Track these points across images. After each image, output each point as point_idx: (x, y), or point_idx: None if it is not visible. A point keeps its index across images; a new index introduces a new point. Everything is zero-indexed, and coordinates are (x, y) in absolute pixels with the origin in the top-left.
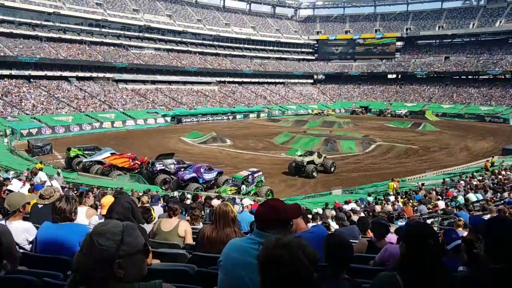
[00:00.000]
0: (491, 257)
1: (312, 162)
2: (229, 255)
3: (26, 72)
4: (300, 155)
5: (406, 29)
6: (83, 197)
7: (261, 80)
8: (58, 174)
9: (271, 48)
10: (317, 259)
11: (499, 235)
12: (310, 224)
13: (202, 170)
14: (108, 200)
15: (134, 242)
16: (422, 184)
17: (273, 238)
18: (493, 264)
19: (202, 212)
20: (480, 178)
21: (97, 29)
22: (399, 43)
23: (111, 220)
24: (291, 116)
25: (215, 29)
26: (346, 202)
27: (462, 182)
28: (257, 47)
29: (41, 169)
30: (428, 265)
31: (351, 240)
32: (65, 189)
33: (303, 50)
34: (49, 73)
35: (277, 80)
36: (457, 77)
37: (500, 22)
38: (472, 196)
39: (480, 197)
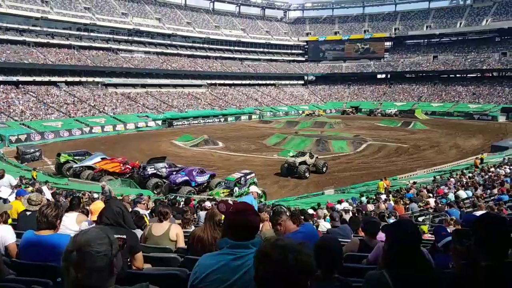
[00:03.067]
0: (482, 254)
1: (304, 162)
2: (209, 274)
3: (14, 78)
4: (292, 156)
5: (395, 29)
6: (75, 203)
7: (252, 82)
8: (103, 187)
9: (261, 50)
10: (310, 269)
11: (488, 233)
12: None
13: (194, 173)
14: (97, 206)
15: (114, 238)
16: (414, 183)
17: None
18: (484, 261)
19: (195, 215)
20: (470, 175)
21: (86, 33)
22: (388, 43)
23: (84, 229)
24: (282, 118)
25: (205, 32)
26: (339, 202)
27: (452, 179)
28: (248, 49)
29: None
30: (409, 258)
31: (343, 240)
32: (56, 196)
33: (293, 51)
34: (38, 79)
35: (268, 82)
36: (446, 76)
37: (487, 21)
38: (462, 193)
39: (470, 194)
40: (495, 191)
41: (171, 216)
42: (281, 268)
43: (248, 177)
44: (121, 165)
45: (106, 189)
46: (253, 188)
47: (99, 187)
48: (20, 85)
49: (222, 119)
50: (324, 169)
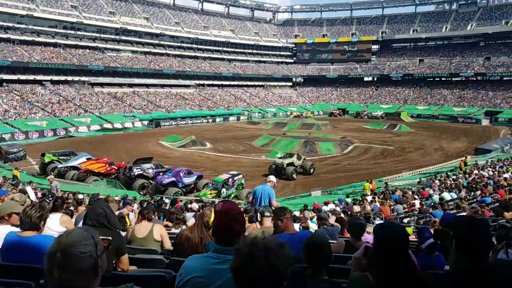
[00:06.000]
0: (462, 257)
1: (291, 164)
2: (193, 278)
3: None
4: (280, 157)
5: (382, 33)
6: (59, 204)
7: (240, 83)
8: (51, 181)
9: (250, 51)
10: (278, 270)
11: (468, 236)
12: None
13: (181, 174)
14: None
15: (99, 239)
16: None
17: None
18: (465, 264)
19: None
20: (454, 177)
21: (72, 31)
22: (375, 46)
23: (67, 231)
24: (270, 119)
25: (193, 32)
26: (325, 203)
27: (437, 181)
28: (236, 50)
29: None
30: (396, 261)
31: (330, 241)
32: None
33: (281, 53)
34: (22, 77)
35: (256, 83)
36: (431, 79)
37: (471, 26)
38: (446, 195)
39: (455, 196)
40: (478, 193)
41: (157, 217)
42: (249, 264)
43: (236, 178)
44: (107, 165)
45: (54, 185)
46: (271, 178)
47: (90, 188)
48: (4, 84)
49: (210, 120)
50: (312, 170)
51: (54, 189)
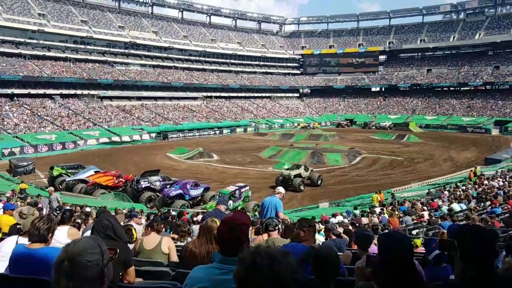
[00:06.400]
0: (467, 266)
1: (299, 175)
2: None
3: (9, 91)
4: (287, 169)
5: (389, 43)
6: (67, 216)
7: (247, 94)
8: (50, 193)
9: (257, 63)
10: (281, 279)
11: (471, 244)
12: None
13: (188, 186)
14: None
15: (105, 248)
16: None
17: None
18: (469, 272)
19: (188, 227)
20: (464, 188)
21: (82, 46)
22: (382, 57)
23: (74, 240)
24: (277, 130)
25: (201, 45)
26: (333, 215)
27: (446, 192)
28: (244, 62)
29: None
30: (400, 270)
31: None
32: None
33: (288, 64)
34: (33, 91)
35: (263, 95)
36: (439, 89)
37: (480, 35)
38: (456, 206)
39: (464, 207)
40: (488, 203)
41: (163, 229)
42: (252, 273)
43: (242, 190)
44: (115, 178)
45: (53, 197)
46: (280, 189)
47: (97, 201)
48: (15, 98)
49: (217, 132)
50: (319, 182)
51: (54, 201)
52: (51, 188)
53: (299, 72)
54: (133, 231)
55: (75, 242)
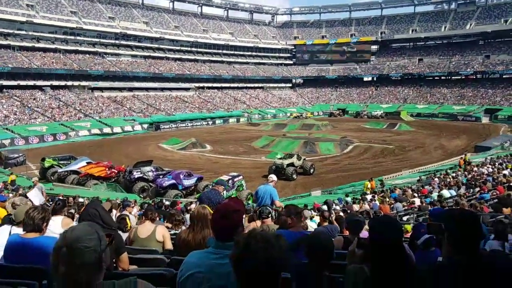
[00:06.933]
0: (454, 249)
1: (291, 164)
2: (193, 273)
3: None
4: (280, 158)
5: (381, 33)
6: (60, 206)
7: (240, 85)
8: (35, 183)
9: (249, 53)
10: (276, 263)
11: (459, 228)
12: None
13: (181, 176)
14: None
15: (102, 234)
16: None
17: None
18: (456, 255)
19: (182, 215)
20: (454, 175)
21: (72, 37)
22: (374, 47)
23: (72, 226)
24: (270, 120)
25: (193, 36)
26: (325, 203)
27: (436, 179)
28: (236, 52)
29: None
30: (391, 253)
31: None
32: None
33: (281, 55)
34: (22, 83)
35: (256, 85)
36: (431, 78)
37: (471, 24)
38: (446, 193)
39: (454, 193)
40: (477, 189)
41: (157, 218)
42: (247, 255)
43: (236, 179)
44: (107, 169)
45: (38, 187)
46: (272, 177)
47: (90, 192)
48: (4, 90)
49: (210, 122)
50: (312, 170)
51: (39, 191)
52: (35, 178)
53: (291, 62)
54: (127, 220)
55: (73, 229)
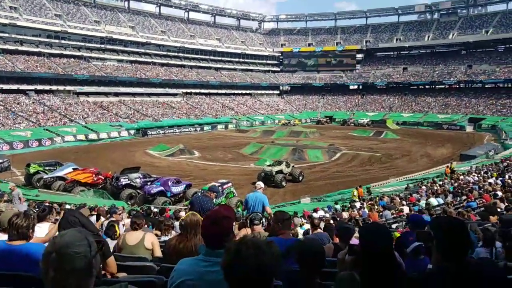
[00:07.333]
0: (442, 256)
1: (280, 171)
2: (184, 281)
3: None
4: (269, 165)
5: (366, 42)
6: (46, 213)
7: (228, 91)
8: (12, 189)
9: (237, 60)
10: (266, 270)
11: (447, 235)
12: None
13: (169, 183)
14: None
15: (92, 239)
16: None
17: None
18: (445, 263)
19: (172, 220)
20: (441, 183)
21: (57, 40)
22: (360, 55)
23: (61, 232)
24: (259, 127)
25: (180, 41)
26: (315, 210)
27: (424, 187)
28: (223, 58)
29: None
30: (381, 260)
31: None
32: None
33: (268, 62)
34: (5, 87)
35: (244, 91)
36: (415, 87)
37: (453, 34)
38: (433, 201)
39: (441, 201)
40: (464, 197)
41: (145, 225)
42: (238, 262)
43: (225, 186)
44: (93, 175)
45: (15, 193)
46: (260, 183)
47: (77, 198)
48: None
49: (198, 129)
50: (301, 177)
51: (16, 197)
52: (12, 184)
53: (279, 69)
54: (116, 227)
55: (63, 234)
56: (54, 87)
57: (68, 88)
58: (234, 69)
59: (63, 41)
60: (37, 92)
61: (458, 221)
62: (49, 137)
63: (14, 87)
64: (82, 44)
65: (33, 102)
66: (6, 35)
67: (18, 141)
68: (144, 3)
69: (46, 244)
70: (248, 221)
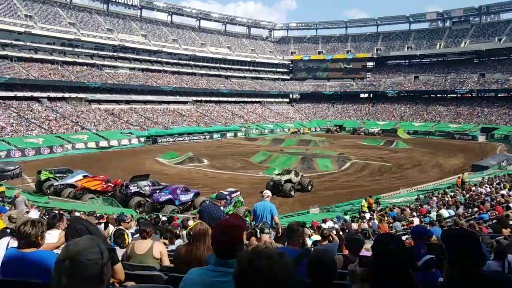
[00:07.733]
0: (454, 269)
1: (289, 180)
2: None
3: None
4: (278, 174)
5: (377, 50)
6: (57, 220)
7: (237, 99)
8: (17, 196)
9: (247, 67)
10: (277, 280)
11: (458, 247)
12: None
13: (178, 191)
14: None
15: (104, 247)
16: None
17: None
18: (457, 274)
19: (178, 231)
20: (452, 194)
21: (70, 48)
22: (370, 63)
23: (74, 240)
24: (268, 135)
25: (191, 49)
26: (324, 221)
27: (435, 198)
28: (233, 66)
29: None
30: (395, 274)
31: None
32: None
33: (278, 69)
34: (19, 94)
35: (253, 99)
36: (427, 96)
37: (465, 43)
38: (444, 212)
39: (452, 213)
40: (476, 209)
41: (153, 233)
42: (250, 272)
43: (233, 195)
44: (103, 183)
45: (20, 200)
46: (267, 192)
47: (86, 206)
48: (0, 100)
49: (207, 136)
50: (310, 187)
51: (21, 203)
52: (17, 191)
53: (288, 77)
54: (125, 235)
55: (76, 242)
56: (66, 95)
57: (80, 95)
58: (244, 77)
59: (76, 49)
60: (50, 99)
61: (470, 233)
62: (60, 144)
63: (28, 94)
64: (95, 52)
65: (45, 109)
66: (21, 43)
67: (30, 148)
68: (156, 11)
69: (56, 252)
70: (258, 231)
